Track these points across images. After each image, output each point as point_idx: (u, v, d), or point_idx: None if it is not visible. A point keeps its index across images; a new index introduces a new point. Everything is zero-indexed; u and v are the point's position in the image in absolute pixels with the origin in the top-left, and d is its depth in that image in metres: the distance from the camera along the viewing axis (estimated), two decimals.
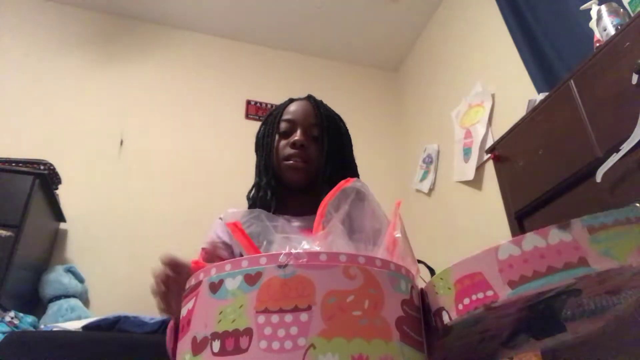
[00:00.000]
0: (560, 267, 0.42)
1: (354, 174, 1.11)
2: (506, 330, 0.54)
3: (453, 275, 0.47)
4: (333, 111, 1.11)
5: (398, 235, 0.57)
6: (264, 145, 1.06)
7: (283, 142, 1.02)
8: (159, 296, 0.66)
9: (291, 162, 0.99)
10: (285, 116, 1.05)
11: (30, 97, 2.57)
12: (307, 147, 1.00)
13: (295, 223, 0.96)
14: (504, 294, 0.42)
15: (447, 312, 0.46)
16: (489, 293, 0.43)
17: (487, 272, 0.44)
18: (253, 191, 1.06)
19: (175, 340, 0.57)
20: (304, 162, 0.99)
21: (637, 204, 0.94)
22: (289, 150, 0.99)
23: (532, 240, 0.43)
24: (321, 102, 1.11)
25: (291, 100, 1.10)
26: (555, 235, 0.43)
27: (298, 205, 0.99)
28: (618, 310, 0.57)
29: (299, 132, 1.01)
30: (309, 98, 1.10)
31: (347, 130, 1.12)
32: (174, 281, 0.62)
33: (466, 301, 0.45)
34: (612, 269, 0.41)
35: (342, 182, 0.61)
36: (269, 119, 1.09)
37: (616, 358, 1.02)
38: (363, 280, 0.45)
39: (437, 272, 0.50)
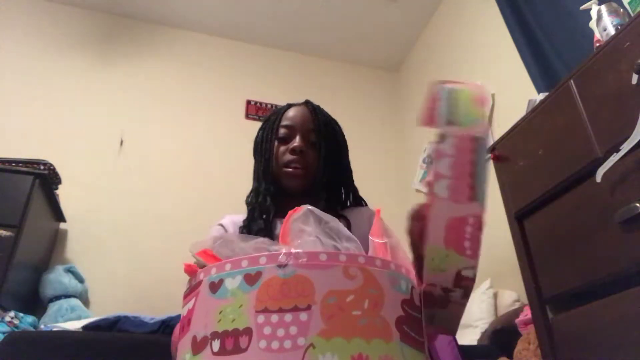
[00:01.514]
0: None
1: (349, 178, 1.12)
2: None
3: None
4: (330, 116, 1.12)
5: (385, 240, 0.57)
6: (262, 151, 1.06)
7: (282, 148, 1.03)
8: None
9: (290, 169, 1.00)
10: (284, 122, 1.06)
11: (31, 97, 2.57)
12: (306, 153, 1.01)
13: None
14: None
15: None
16: None
17: None
18: (252, 196, 1.06)
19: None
20: (302, 169, 1.00)
21: (637, 204, 0.94)
22: (289, 157, 1.00)
23: None
24: (318, 107, 1.12)
25: (289, 106, 1.11)
26: None
27: None
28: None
29: (297, 138, 1.02)
30: (307, 103, 1.11)
31: (344, 135, 1.13)
32: None
33: None
34: None
35: (291, 211, 0.58)
36: (266, 124, 1.10)
37: (617, 358, 1.02)
38: (363, 280, 0.45)
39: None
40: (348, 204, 1.10)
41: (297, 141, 1.01)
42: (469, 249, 0.49)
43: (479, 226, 0.50)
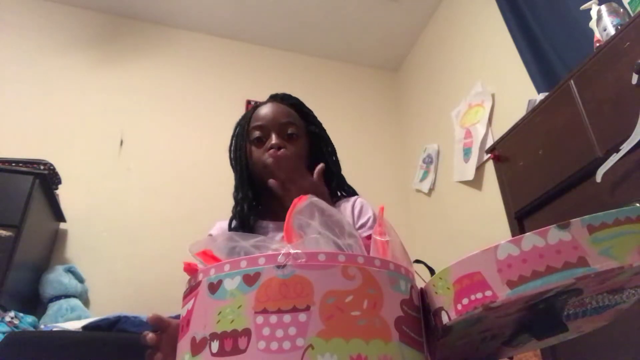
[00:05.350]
0: (559, 267, 0.41)
1: (337, 167, 1.07)
2: (508, 329, 0.54)
3: (452, 275, 0.46)
4: (299, 100, 1.08)
5: (388, 238, 0.56)
6: (237, 159, 1.02)
7: (259, 151, 0.98)
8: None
9: (273, 162, 0.94)
10: (255, 123, 1.01)
11: (30, 97, 2.57)
12: (285, 148, 0.96)
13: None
14: (503, 294, 0.42)
15: (446, 312, 0.46)
16: (488, 293, 0.43)
17: (485, 272, 0.44)
18: (233, 207, 1.03)
19: None
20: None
21: (637, 204, 0.94)
22: (267, 157, 0.94)
23: (531, 239, 0.43)
24: (285, 94, 1.08)
25: (256, 106, 1.06)
26: (554, 234, 0.43)
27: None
28: (621, 309, 0.56)
29: (273, 136, 0.97)
30: (274, 97, 1.07)
31: (316, 117, 1.09)
32: (164, 341, 0.62)
33: (465, 301, 0.44)
34: (612, 269, 0.41)
35: (295, 200, 0.56)
36: (237, 131, 1.06)
37: (617, 358, 1.02)
38: (362, 280, 0.44)
39: (437, 272, 0.49)
40: (338, 195, 1.07)
41: (273, 139, 0.96)
42: None
43: None
